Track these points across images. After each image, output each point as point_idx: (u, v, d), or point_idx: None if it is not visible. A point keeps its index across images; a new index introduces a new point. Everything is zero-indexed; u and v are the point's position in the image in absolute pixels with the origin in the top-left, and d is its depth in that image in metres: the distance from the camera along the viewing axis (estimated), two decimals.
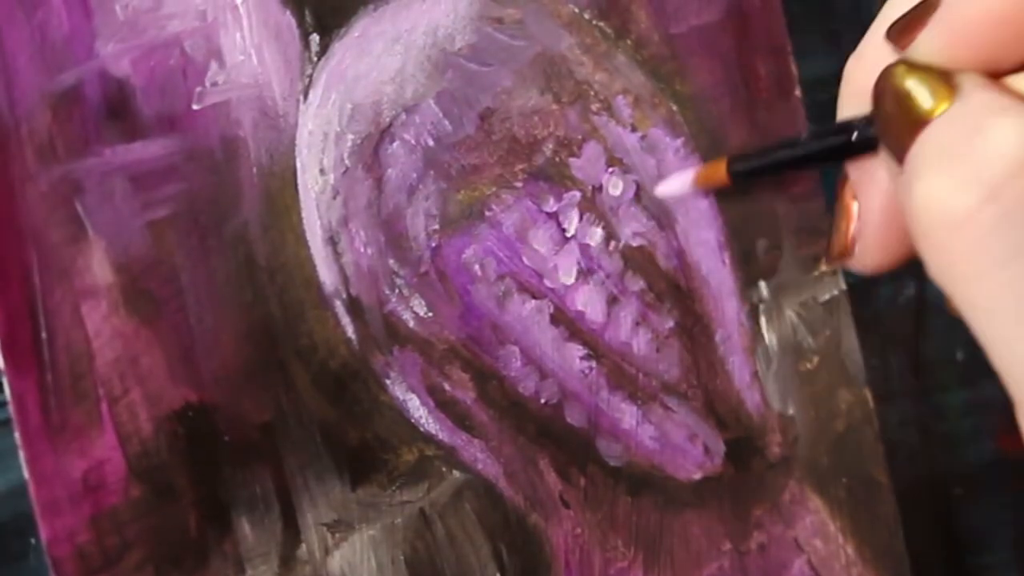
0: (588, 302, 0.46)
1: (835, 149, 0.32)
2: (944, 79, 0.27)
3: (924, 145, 0.27)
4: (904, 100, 0.27)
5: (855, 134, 0.31)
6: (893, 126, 0.28)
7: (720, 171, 0.40)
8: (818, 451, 0.52)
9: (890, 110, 0.28)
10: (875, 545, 0.53)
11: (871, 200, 0.31)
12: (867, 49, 0.31)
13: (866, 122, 0.31)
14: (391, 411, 0.41)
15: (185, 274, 0.38)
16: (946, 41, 0.28)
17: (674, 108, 0.49)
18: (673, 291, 0.48)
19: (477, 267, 0.44)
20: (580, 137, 0.47)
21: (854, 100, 0.31)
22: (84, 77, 0.37)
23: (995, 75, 0.28)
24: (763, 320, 0.51)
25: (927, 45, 0.28)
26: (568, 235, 0.46)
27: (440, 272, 0.43)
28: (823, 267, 0.32)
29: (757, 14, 0.52)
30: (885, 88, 0.28)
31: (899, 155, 0.27)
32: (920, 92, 0.27)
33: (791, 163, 0.37)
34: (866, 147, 0.31)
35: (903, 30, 0.29)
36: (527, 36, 0.45)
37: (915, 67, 0.28)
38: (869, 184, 0.31)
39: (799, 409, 0.51)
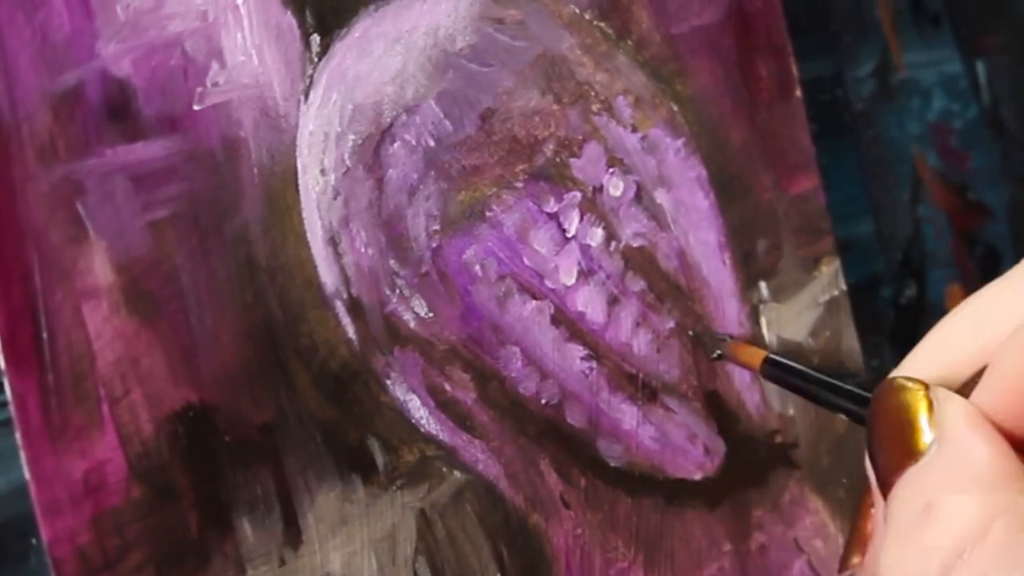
0: (589, 302, 0.46)
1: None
2: (928, 415, 0.28)
3: (897, 498, 0.27)
4: (897, 437, 0.28)
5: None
6: (883, 460, 0.28)
7: (755, 359, 0.42)
8: (818, 452, 0.52)
9: (881, 448, 0.28)
10: None
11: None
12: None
13: None
14: (392, 411, 0.41)
15: (186, 275, 0.38)
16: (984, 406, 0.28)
17: (675, 108, 0.49)
18: (673, 292, 0.48)
19: (478, 267, 0.44)
20: (581, 137, 0.47)
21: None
22: (85, 78, 0.37)
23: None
24: (763, 320, 0.51)
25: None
26: (569, 235, 0.46)
27: (441, 272, 0.43)
28: (845, 570, 0.33)
29: (757, 15, 0.52)
30: (880, 425, 0.29)
31: (885, 489, 0.28)
32: (912, 431, 0.28)
33: (827, 403, 0.37)
34: None
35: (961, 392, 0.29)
36: (528, 37, 0.45)
37: (906, 402, 0.28)
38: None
39: (799, 410, 0.51)
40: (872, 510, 0.31)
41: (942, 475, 0.27)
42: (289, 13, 0.40)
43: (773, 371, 0.41)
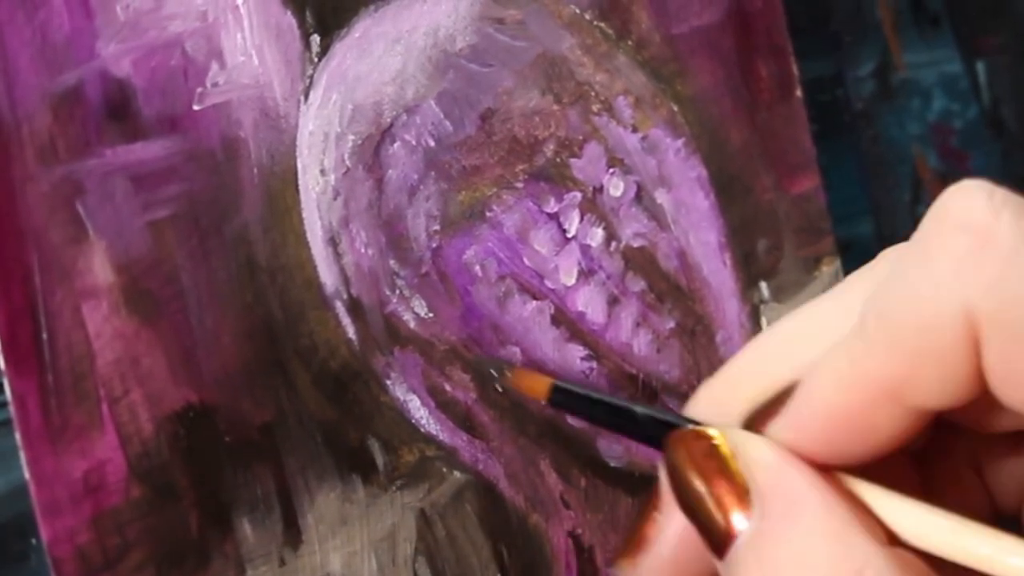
0: (589, 303, 0.46)
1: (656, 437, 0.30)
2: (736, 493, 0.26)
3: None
4: (701, 517, 0.27)
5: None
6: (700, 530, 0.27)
7: (541, 387, 0.38)
8: None
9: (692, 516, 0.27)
10: None
11: (671, 525, 0.29)
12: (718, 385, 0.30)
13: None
14: (392, 412, 0.41)
15: (186, 275, 0.38)
16: (793, 435, 0.27)
17: (675, 109, 0.49)
18: (674, 292, 0.48)
19: (478, 268, 0.44)
20: (581, 138, 0.47)
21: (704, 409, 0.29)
22: (85, 78, 0.37)
23: (841, 466, 0.27)
24: (764, 321, 0.51)
25: (776, 435, 0.27)
26: (569, 236, 0.46)
27: (441, 273, 0.43)
28: (614, 567, 0.31)
29: (758, 15, 0.52)
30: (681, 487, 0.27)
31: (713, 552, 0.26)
32: (712, 517, 0.26)
33: (611, 425, 0.36)
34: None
35: (759, 418, 0.28)
36: (528, 37, 0.45)
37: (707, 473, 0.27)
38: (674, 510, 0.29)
39: None
40: (656, 514, 0.30)
41: (780, 551, 0.25)
42: (289, 13, 0.40)
43: (560, 399, 0.38)
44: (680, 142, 0.49)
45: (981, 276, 0.24)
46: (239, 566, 0.38)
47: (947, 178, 0.69)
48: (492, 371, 0.43)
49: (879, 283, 0.26)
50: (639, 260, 0.47)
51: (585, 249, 0.46)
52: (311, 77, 0.41)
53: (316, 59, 0.41)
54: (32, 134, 0.35)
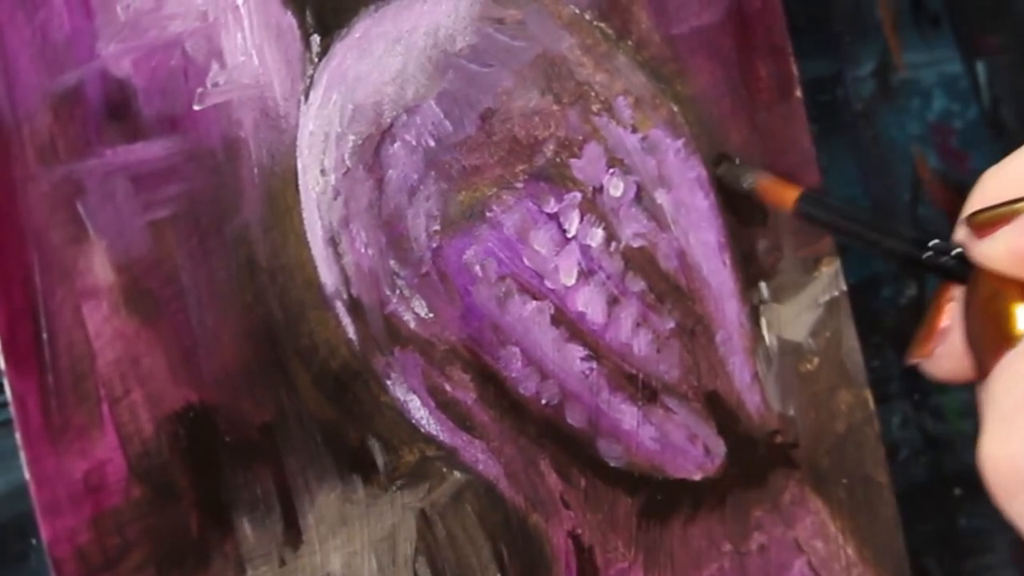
0: (589, 303, 0.46)
1: (923, 262, 0.32)
2: None
3: (997, 384, 0.27)
4: (992, 321, 0.28)
5: (950, 260, 0.31)
6: (979, 340, 0.28)
7: (788, 197, 0.40)
8: (818, 452, 0.52)
9: (977, 327, 0.28)
10: (875, 545, 0.53)
11: (959, 319, 0.31)
12: (1010, 167, 0.31)
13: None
14: (392, 412, 0.41)
15: (186, 275, 0.38)
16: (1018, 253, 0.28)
17: (675, 109, 0.49)
18: (674, 292, 0.48)
19: (478, 268, 0.44)
20: (581, 138, 0.47)
21: (979, 205, 0.31)
22: (85, 78, 0.37)
23: None
24: (763, 321, 0.51)
25: (998, 248, 0.28)
26: (569, 236, 0.46)
27: (441, 273, 0.43)
28: (911, 359, 0.33)
29: (757, 15, 0.52)
30: (976, 304, 0.28)
31: (982, 369, 0.28)
32: (1007, 317, 0.28)
33: (865, 242, 0.37)
34: (960, 277, 0.31)
35: (985, 225, 0.29)
36: (528, 37, 0.45)
37: (1008, 288, 0.28)
38: (960, 305, 0.31)
39: (799, 410, 0.51)
40: (949, 304, 0.31)
41: None
42: (289, 13, 0.40)
43: (809, 209, 0.39)
44: (680, 142, 0.49)
45: None
46: (239, 566, 0.38)
47: (947, 178, 0.69)
48: (739, 174, 0.45)
49: None
50: (639, 260, 0.48)
51: (585, 249, 0.46)
52: (311, 77, 0.41)
53: (316, 59, 0.41)
54: (32, 134, 0.35)
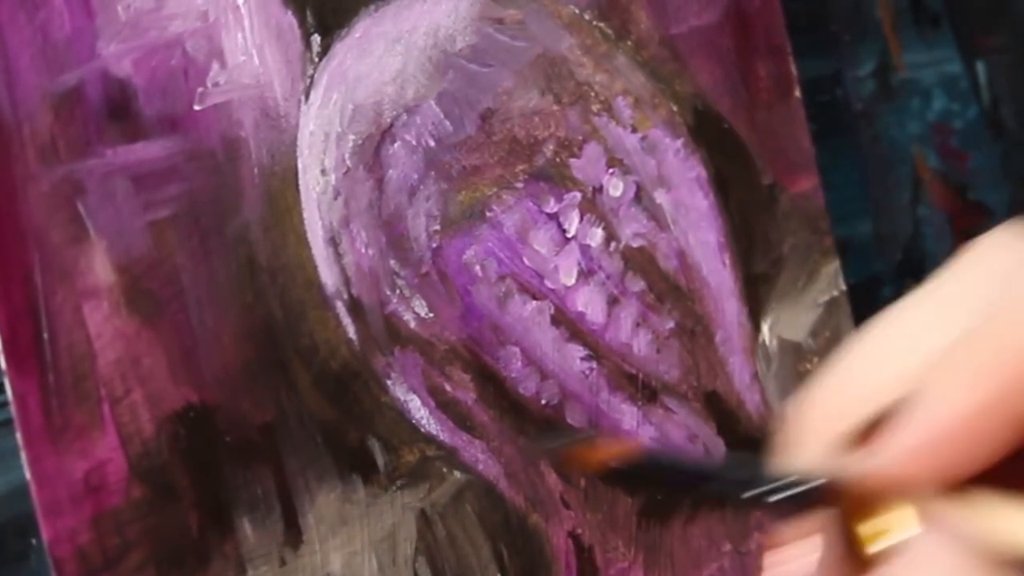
0: (589, 303, 0.46)
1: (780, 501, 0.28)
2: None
3: None
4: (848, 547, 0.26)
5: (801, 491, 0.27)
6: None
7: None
8: None
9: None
10: None
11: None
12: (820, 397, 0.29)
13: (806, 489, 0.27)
14: (392, 412, 0.41)
15: (186, 275, 0.38)
16: (905, 455, 0.26)
17: (674, 109, 0.49)
18: (673, 292, 0.48)
19: (478, 268, 0.44)
20: (580, 138, 0.47)
21: (801, 445, 0.28)
22: (86, 78, 0.37)
23: (951, 484, 0.26)
24: (763, 321, 0.51)
25: (885, 455, 0.26)
26: (569, 236, 0.46)
27: (441, 273, 0.43)
28: None
29: (757, 15, 0.52)
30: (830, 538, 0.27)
31: None
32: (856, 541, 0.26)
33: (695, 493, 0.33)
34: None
35: (864, 435, 0.27)
36: (528, 37, 0.46)
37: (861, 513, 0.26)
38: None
39: None
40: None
41: None
42: (290, 13, 0.40)
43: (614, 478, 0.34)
44: (679, 142, 0.49)
45: None
46: (239, 566, 0.38)
47: (947, 178, 0.69)
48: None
49: (994, 301, 0.25)
50: (639, 260, 0.48)
51: (585, 249, 0.46)
52: (312, 77, 0.41)
53: (317, 59, 0.41)
54: (33, 134, 0.35)
